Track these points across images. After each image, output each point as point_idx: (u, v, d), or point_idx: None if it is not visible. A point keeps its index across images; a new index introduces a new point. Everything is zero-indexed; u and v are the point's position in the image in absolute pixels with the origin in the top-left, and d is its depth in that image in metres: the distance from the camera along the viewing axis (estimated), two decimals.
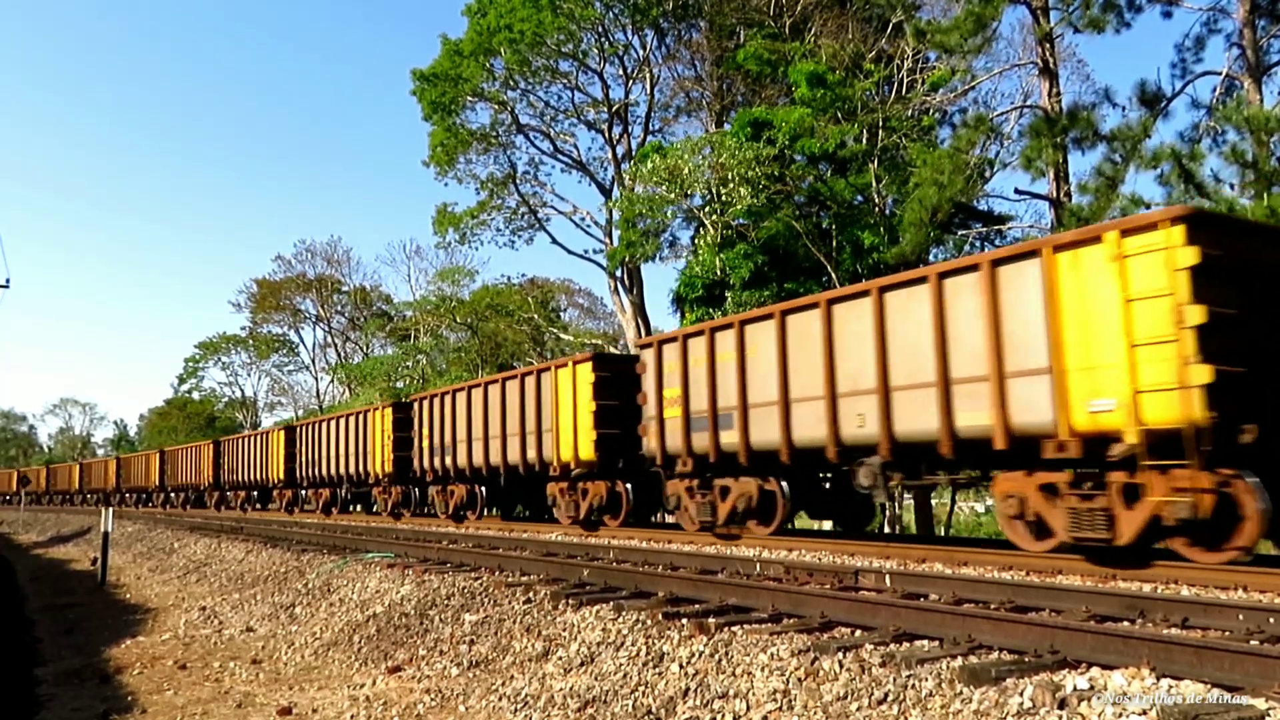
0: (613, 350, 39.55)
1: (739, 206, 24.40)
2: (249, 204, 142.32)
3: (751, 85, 30.77)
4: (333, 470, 25.96)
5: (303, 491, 29.32)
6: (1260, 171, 15.00)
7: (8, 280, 31.37)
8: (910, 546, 10.33)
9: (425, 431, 20.60)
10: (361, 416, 24.36)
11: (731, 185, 24.17)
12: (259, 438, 32.07)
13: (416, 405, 21.17)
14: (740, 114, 26.93)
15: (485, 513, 19.58)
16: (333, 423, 26.33)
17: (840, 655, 5.52)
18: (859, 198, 25.79)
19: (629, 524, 15.81)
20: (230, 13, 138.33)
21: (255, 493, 32.90)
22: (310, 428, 27.95)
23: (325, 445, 26.61)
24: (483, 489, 19.17)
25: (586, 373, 15.76)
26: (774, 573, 8.88)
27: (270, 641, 10.34)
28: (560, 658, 7.07)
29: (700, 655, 6.15)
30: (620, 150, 34.05)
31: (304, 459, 28.07)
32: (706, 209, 25.88)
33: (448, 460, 19.65)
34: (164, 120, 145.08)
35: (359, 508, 26.57)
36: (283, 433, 29.86)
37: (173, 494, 41.51)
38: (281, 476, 29.29)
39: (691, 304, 25.80)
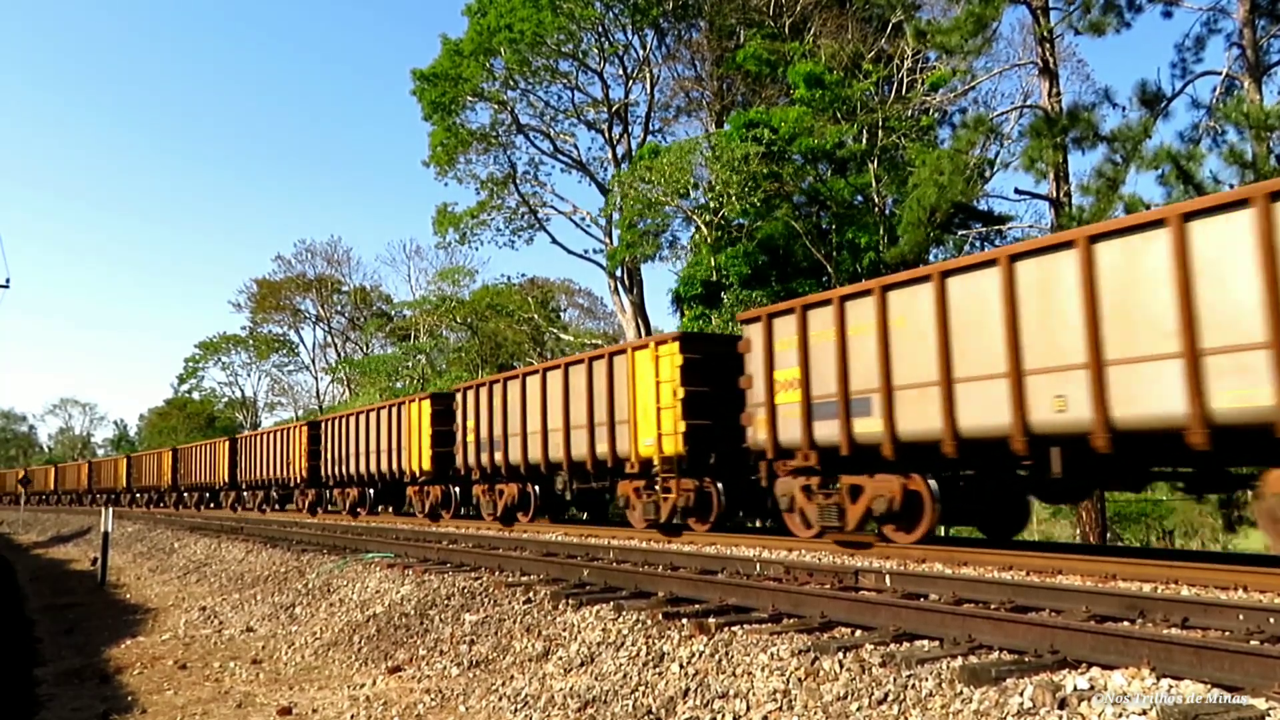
0: None
1: (733, 206, 24.43)
2: (249, 204, 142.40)
3: (751, 85, 30.80)
4: (534, 455, 17.22)
5: (455, 489, 21.21)
6: (1260, 171, 15.01)
7: (8, 280, 31.36)
8: (910, 547, 10.33)
9: (796, 377, 11.52)
10: (607, 362, 15.41)
11: (721, 186, 24.19)
12: (385, 413, 23.59)
13: (761, 327, 12.08)
14: (735, 115, 26.98)
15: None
16: (528, 381, 17.53)
17: (840, 655, 5.52)
18: (858, 198, 25.82)
19: None
20: (230, 13, 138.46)
21: (370, 490, 25.22)
22: (487, 392, 19.12)
23: (512, 418, 18.07)
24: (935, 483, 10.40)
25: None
26: (774, 573, 8.89)
27: (270, 641, 10.34)
28: (560, 658, 7.07)
29: (700, 655, 6.15)
30: (620, 150, 34.07)
31: (472, 438, 19.49)
32: (700, 209, 25.89)
33: (869, 427, 10.53)
34: (164, 120, 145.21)
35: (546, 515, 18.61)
36: (427, 404, 21.61)
37: (245, 492, 34.19)
38: (428, 467, 21.31)
39: (690, 303, 25.83)
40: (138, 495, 47.06)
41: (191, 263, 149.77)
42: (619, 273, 32.99)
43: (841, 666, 5.39)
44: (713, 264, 25.43)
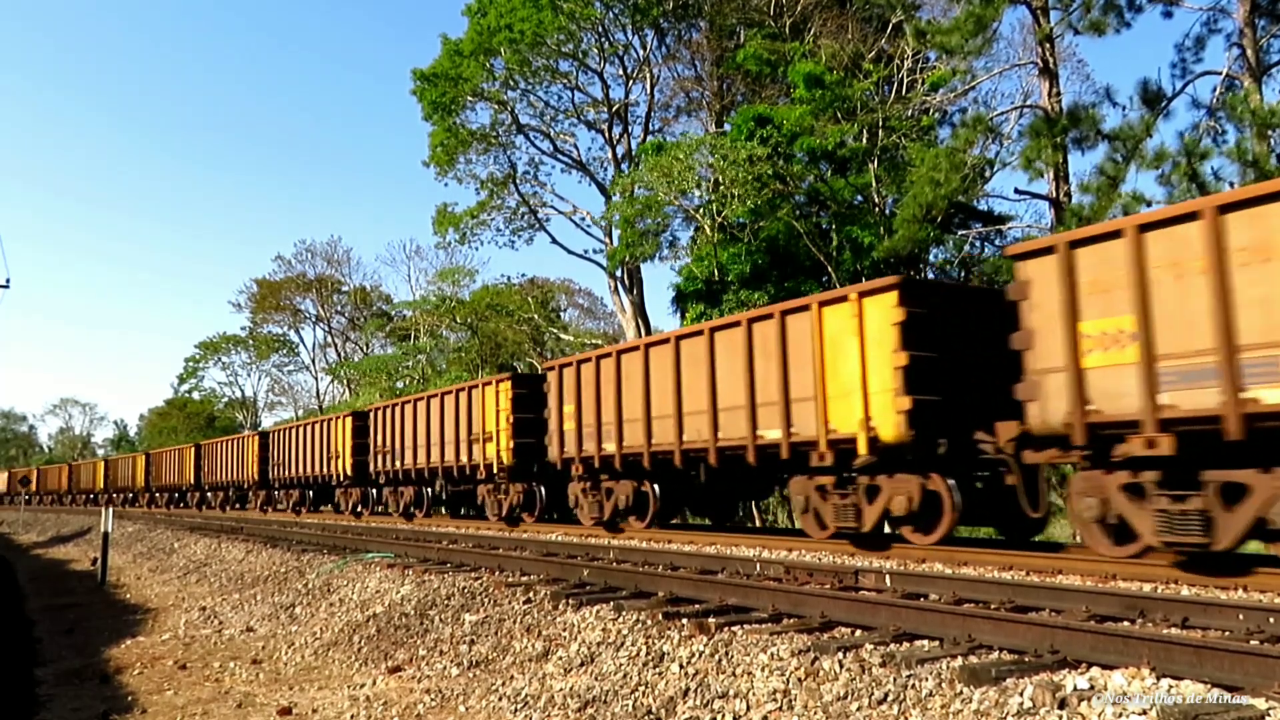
0: None
1: (735, 206, 24.43)
2: (249, 204, 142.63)
3: (751, 85, 30.81)
4: (663, 441, 13.81)
5: (541, 488, 17.82)
6: (1262, 169, 15.01)
7: (8, 280, 31.10)
8: (910, 547, 10.33)
9: (1126, 329, 8.25)
10: (778, 324, 11.92)
11: (725, 185, 24.18)
12: (451, 400, 20.09)
13: (1055, 264, 8.78)
14: (742, 110, 26.98)
15: None
16: (653, 354, 14.15)
17: (840, 655, 5.52)
18: (859, 197, 25.84)
19: None
20: (230, 13, 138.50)
21: (428, 490, 21.61)
22: (593, 370, 15.41)
23: (631, 400, 14.52)
24: None
25: None
26: (774, 573, 8.88)
27: (270, 641, 10.34)
28: (560, 658, 7.07)
29: (700, 655, 6.15)
30: (620, 150, 34.06)
31: (572, 425, 15.80)
32: (703, 209, 25.90)
33: None
34: (165, 120, 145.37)
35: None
36: (506, 386, 18.20)
37: (279, 491, 30.36)
38: (508, 461, 17.96)
39: (693, 300, 25.84)
40: (157, 495, 43.97)
41: (191, 263, 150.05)
42: (619, 273, 32.98)
43: (841, 666, 5.38)
44: (715, 263, 25.45)
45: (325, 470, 26.73)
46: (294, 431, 29.43)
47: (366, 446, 24.44)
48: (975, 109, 27.33)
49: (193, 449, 39.52)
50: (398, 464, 22.63)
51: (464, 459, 19.65)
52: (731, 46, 31.25)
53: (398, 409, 22.91)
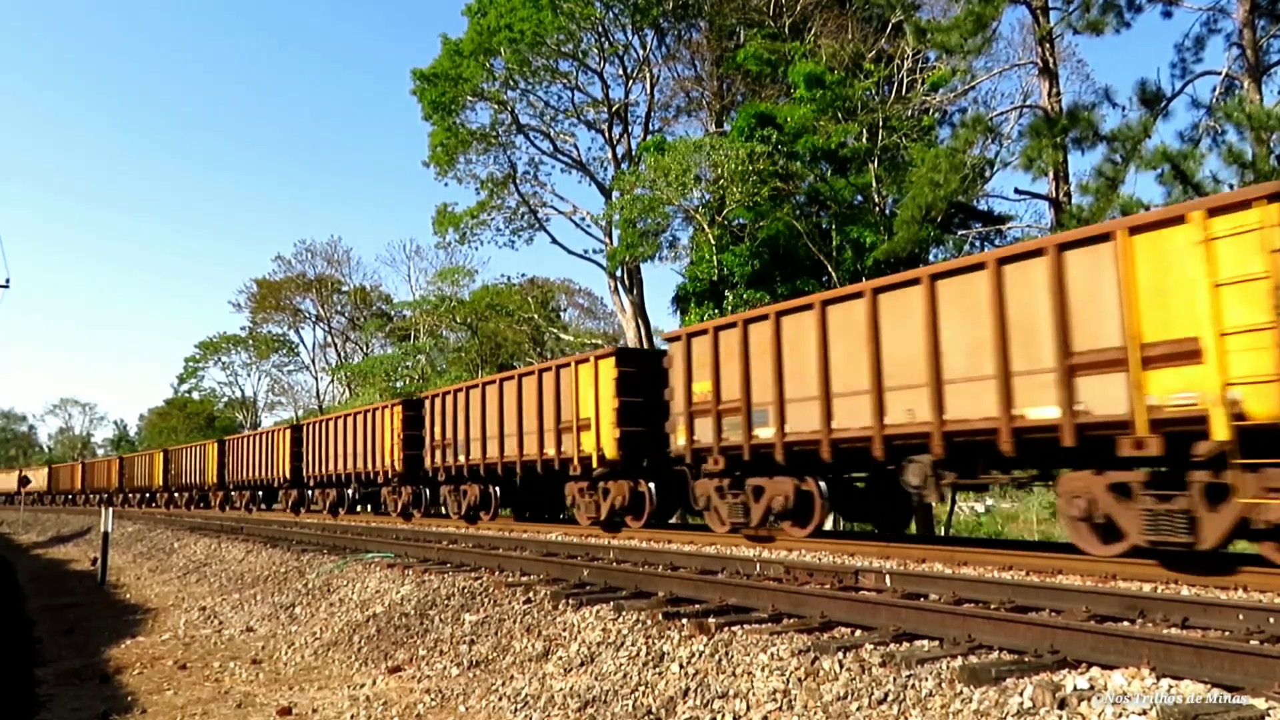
0: None
1: (736, 206, 24.42)
2: (249, 204, 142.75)
3: (751, 85, 30.80)
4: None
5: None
6: (1259, 171, 15.00)
7: (8, 280, 31.06)
8: (910, 546, 10.33)
9: None
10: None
11: (727, 181, 24.17)
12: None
13: None
14: (744, 109, 26.96)
15: None
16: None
17: (840, 655, 5.52)
18: (859, 197, 25.84)
19: None
20: (231, 13, 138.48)
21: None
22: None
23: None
24: None
25: None
26: (774, 573, 8.88)
27: (270, 641, 10.34)
28: (560, 658, 7.06)
29: (700, 655, 6.15)
30: (620, 150, 34.05)
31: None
32: (702, 209, 25.89)
33: None
34: (164, 120, 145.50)
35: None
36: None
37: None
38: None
39: (697, 299, 25.83)
40: (176, 495, 41.61)
41: (191, 263, 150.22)
42: (619, 273, 32.96)
43: (841, 666, 5.38)
44: (715, 263, 25.45)
45: (370, 467, 23.72)
46: (332, 424, 26.11)
47: (419, 439, 21.57)
48: (975, 109, 27.33)
49: (215, 445, 36.59)
50: (460, 459, 19.79)
51: (550, 451, 16.73)
52: (731, 46, 31.23)
53: (461, 395, 19.97)
